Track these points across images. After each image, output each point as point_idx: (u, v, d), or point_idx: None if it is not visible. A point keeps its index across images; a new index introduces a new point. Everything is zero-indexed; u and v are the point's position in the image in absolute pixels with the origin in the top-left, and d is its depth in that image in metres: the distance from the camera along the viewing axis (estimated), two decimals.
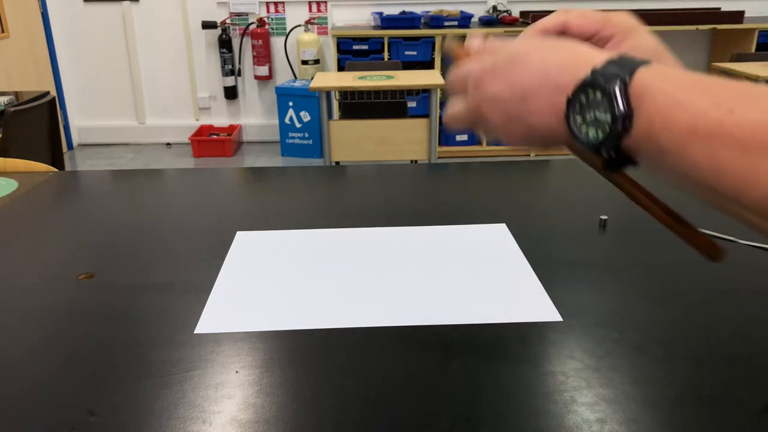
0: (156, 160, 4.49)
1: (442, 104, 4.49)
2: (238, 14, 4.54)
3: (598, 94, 0.38)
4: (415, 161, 3.21)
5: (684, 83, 0.35)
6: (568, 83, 0.40)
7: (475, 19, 4.39)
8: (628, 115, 0.36)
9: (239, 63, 4.65)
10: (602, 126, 0.38)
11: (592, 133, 0.39)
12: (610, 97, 0.37)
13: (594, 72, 0.39)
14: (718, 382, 0.62)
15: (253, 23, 4.52)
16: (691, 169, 0.34)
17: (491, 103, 0.45)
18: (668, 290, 0.80)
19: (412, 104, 3.91)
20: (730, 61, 3.73)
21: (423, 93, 3.53)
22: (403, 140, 3.19)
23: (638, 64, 0.37)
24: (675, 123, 0.34)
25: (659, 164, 0.37)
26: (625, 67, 0.37)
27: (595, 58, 0.40)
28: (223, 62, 4.56)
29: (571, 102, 0.40)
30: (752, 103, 0.32)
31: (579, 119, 0.40)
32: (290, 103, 4.33)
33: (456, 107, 0.49)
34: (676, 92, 0.35)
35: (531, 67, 0.42)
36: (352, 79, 3.19)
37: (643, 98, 0.36)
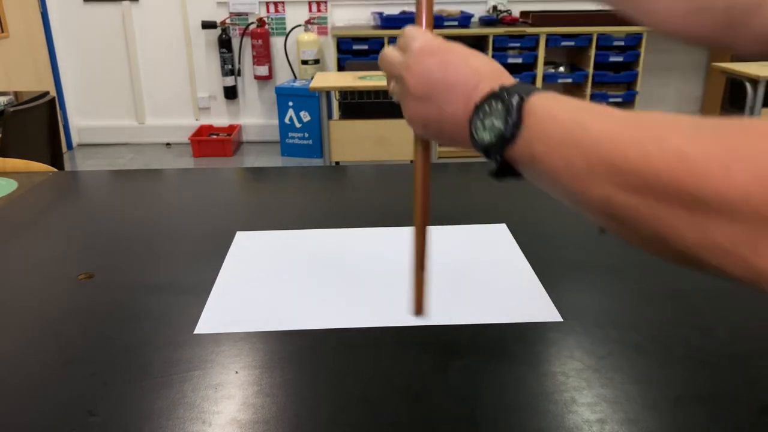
0: (156, 160, 4.49)
1: None
2: (238, 14, 4.54)
3: (500, 105, 0.43)
4: None
5: (565, 105, 0.41)
6: (483, 90, 0.45)
7: (475, 19, 4.38)
8: (516, 125, 0.42)
9: (239, 63, 4.65)
10: (495, 131, 0.43)
11: (486, 136, 0.44)
12: (508, 108, 0.42)
13: (502, 87, 0.44)
14: (718, 382, 0.62)
15: (253, 23, 4.51)
16: (553, 174, 0.40)
17: (419, 75, 0.49)
18: (668, 290, 0.80)
19: None
20: (731, 61, 3.73)
21: None
22: (403, 140, 3.19)
23: (538, 90, 0.43)
24: (546, 134, 0.40)
25: (532, 171, 0.42)
26: (527, 90, 0.43)
27: (507, 77, 0.47)
28: (223, 62, 4.56)
29: (478, 107, 0.45)
30: (604, 120, 0.38)
31: (479, 124, 0.45)
32: (290, 103, 4.33)
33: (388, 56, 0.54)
34: (554, 110, 0.41)
35: (464, 63, 0.48)
36: (352, 79, 3.18)
37: (530, 113, 0.42)
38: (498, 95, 0.44)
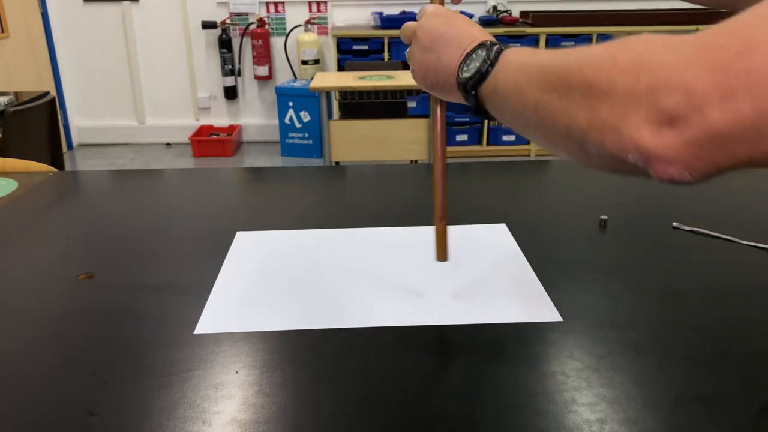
0: (156, 160, 4.49)
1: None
2: (238, 14, 4.54)
3: (483, 52, 0.55)
4: (415, 161, 3.21)
5: (528, 51, 0.52)
6: (473, 45, 0.58)
7: (475, 19, 4.38)
8: (491, 65, 0.53)
9: (239, 63, 4.65)
10: (474, 69, 0.55)
11: (467, 74, 0.56)
12: (488, 54, 0.54)
13: (490, 42, 0.56)
14: (718, 382, 0.62)
15: (253, 23, 4.51)
16: (507, 95, 0.51)
17: (427, 29, 0.63)
18: (668, 290, 0.80)
19: (412, 104, 3.91)
20: None
21: (423, 93, 3.54)
22: (403, 140, 3.19)
23: (513, 45, 0.55)
24: (508, 65, 0.52)
25: (494, 98, 0.53)
26: (507, 45, 0.55)
27: (491, 38, 0.59)
28: (223, 62, 4.56)
29: (467, 55, 0.57)
30: (546, 56, 0.48)
31: (465, 67, 0.57)
32: (290, 103, 4.33)
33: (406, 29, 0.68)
34: (521, 52, 0.52)
35: (463, 27, 0.61)
36: (352, 79, 3.19)
37: (503, 58, 0.53)
38: (483, 45, 0.56)
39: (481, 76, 0.54)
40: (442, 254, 0.76)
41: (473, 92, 0.55)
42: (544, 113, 0.46)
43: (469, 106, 0.58)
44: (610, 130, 0.40)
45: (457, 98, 0.60)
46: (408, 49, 0.68)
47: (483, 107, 0.56)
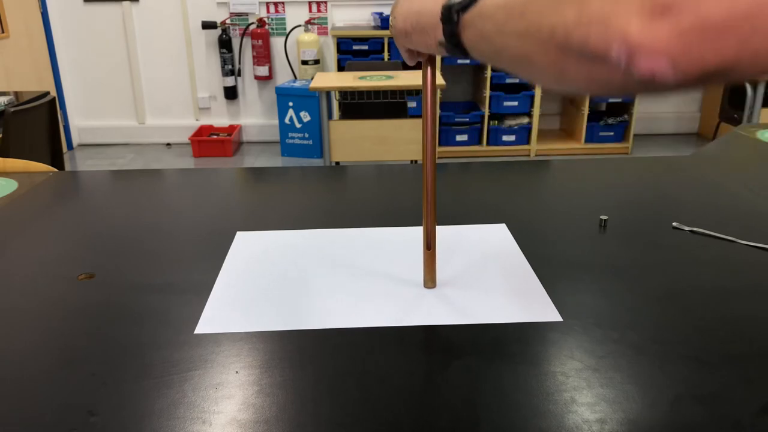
0: (156, 160, 4.49)
1: (442, 104, 4.49)
2: (238, 14, 4.54)
3: None
4: (415, 161, 3.21)
5: None
6: None
7: None
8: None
9: (239, 63, 4.65)
10: None
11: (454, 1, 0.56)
12: None
13: None
14: (718, 382, 0.62)
15: (253, 23, 4.51)
16: (485, 25, 0.52)
17: None
18: (668, 290, 0.80)
19: (412, 104, 3.91)
20: None
21: None
22: (403, 140, 3.19)
23: None
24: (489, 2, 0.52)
25: (479, 21, 0.53)
26: None
27: None
28: (223, 62, 4.56)
29: None
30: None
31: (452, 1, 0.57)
32: (290, 104, 4.33)
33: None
34: None
35: None
36: (352, 79, 3.19)
37: None
38: None
39: (466, 3, 0.54)
40: (430, 281, 0.81)
41: (456, 18, 0.55)
42: (530, 17, 0.46)
43: (447, 59, 0.60)
44: (598, 22, 0.39)
45: (434, 39, 0.60)
46: (392, 7, 0.70)
47: (459, 38, 0.56)
